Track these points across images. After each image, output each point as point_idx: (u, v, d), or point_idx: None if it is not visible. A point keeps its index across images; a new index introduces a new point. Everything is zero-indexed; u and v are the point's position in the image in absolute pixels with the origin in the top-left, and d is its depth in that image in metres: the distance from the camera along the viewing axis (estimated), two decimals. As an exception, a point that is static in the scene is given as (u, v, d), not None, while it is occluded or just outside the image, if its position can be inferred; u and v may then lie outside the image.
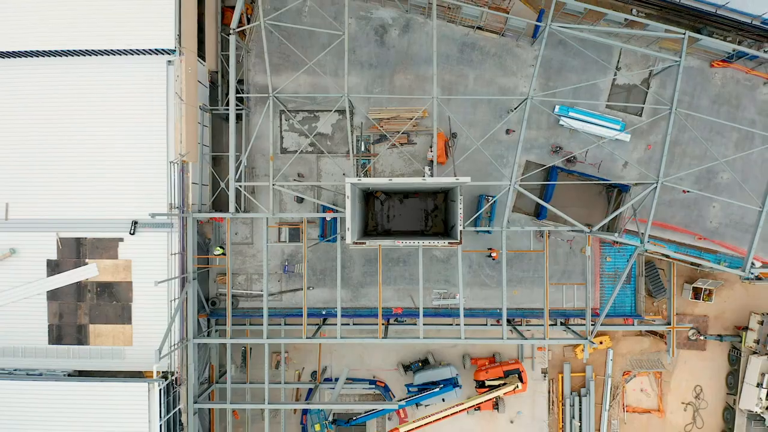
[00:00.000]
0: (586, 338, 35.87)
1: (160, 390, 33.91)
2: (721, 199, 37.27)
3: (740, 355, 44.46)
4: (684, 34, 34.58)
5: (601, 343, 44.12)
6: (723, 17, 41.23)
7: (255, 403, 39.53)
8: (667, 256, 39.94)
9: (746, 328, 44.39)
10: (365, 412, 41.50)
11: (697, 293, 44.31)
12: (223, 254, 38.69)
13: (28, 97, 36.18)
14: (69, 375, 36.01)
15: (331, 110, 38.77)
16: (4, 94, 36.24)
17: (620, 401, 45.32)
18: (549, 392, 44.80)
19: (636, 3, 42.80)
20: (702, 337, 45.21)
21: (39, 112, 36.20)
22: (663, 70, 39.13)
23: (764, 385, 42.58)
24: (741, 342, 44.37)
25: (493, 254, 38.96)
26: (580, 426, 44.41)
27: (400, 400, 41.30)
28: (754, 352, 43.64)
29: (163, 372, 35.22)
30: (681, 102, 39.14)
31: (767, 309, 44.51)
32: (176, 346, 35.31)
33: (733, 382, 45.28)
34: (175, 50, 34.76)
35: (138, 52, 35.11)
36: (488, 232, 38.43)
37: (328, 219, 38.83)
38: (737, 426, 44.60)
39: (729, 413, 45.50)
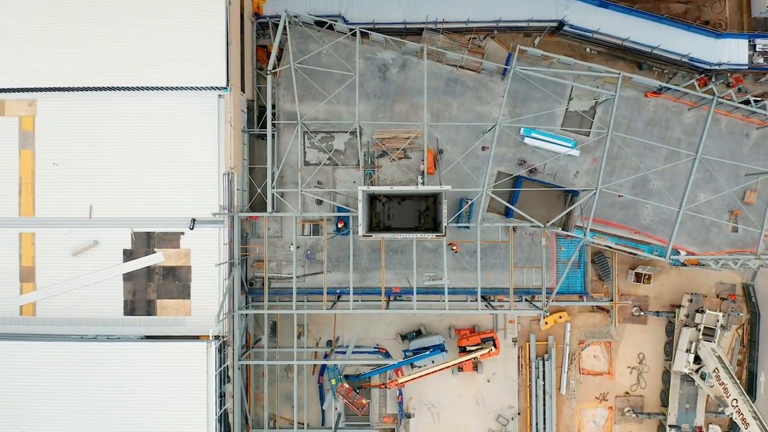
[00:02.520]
0: (542, 309, 46.38)
1: (216, 348, 44.34)
2: (649, 202, 47.90)
3: (674, 327, 54.85)
4: (619, 74, 45.00)
5: (560, 317, 54.45)
6: (659, 55, 51.95)
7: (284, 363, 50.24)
8: (610, 247, 50.47)
9: (679, 306, 54.71)
10: (371, 369, 52.04)
11: (638, 277, 54.65)
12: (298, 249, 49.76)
13: (109, 121, 46.53)
14: (141, 339, 46.38)
15: (344, 132, 49.43)
16: (92, 119, 46.53)
17: (577, 365, 55.68)
18: (518, 357, 55.15)
19: (590, 43, 53.58)
20: (643, 314, 55.49)
21: (117, 132, 46.56)
22: (605, 101, 49.57)
23: (692, 351, 52.80)
24: (675, 317, 54.77)
25: (454, 247, 49.55)
26: (544, 384, 54.81)
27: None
28: (685, 325, 53.85)
29: (215, 335, 45.48)
30: (620, 125, 49.70)
31: (695, 290, 54.89)
32: (226, 315, 45.72)
33: (669, 350, 55.62)
34: (226, 87, 45.13)
35: (196, 88, 45.45)
36: (467, 227, 49.15)
37: (340, 227, 49.44)
38: (672, 386, 54.82)
39: (666, 376, 55.81)
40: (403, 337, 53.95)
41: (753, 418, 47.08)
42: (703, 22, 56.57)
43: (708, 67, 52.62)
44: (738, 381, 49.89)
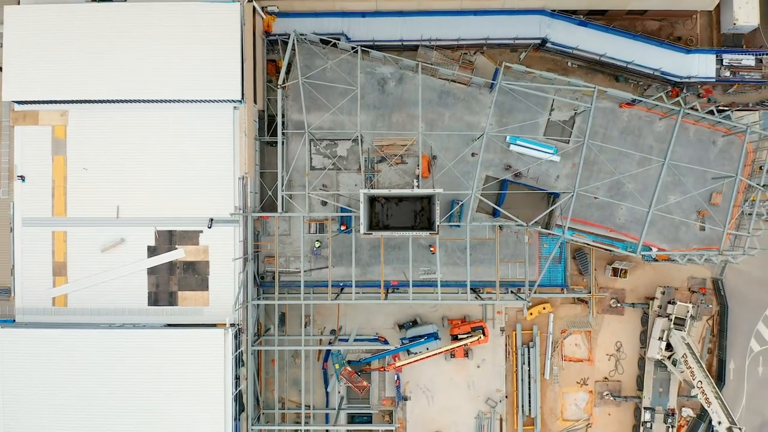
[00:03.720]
0: (525, 300, 51.51)
1: (232, 335, 49.38)
2: (623, 204, 53.01)
3: (649, 317, 59.95)
4: (594, 88, 50.17)
5: (544, 308, 59.53)
6: (634, 69, 57.03)
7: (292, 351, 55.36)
8: (588, 244, 55.57)
9: (653, 298, 59.85)
10: (371, 354, 57.20)
11: (615, 272, 59.80)
12: (320, 246, 55.06)
13: (135, 129, 51.45)
14: (164, 326, 51.33)
15: (347, 139, 54.56)
16: (119, 128, 51.44)
17: (559, 352, 60.78)
18: (506, 345, 60.23)
19: (571, 57, 58.61)
20: (620, 305, 60.62)
21: (142, 140, 51.48)
22: (582, 112, 54.59)
23: (664, 339, 57.88)
24: (649, 308, 59.89)
25: (432, 249, 54.55)
26: (529, 370, 59.88)
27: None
28: (658, 315, 59.02)
29: (231, 323, 50.41)
30: (597, 133, 54.71)
31: (668, 283, 60.05)
32: (241, 305, 50.77)
33: (644, 339, 60.71)
34: (240, 101, 50.16)
35: (214, 101, 50.48)
36: (458, 226, 54.31)
37: (343, 229, 54.54)
38: (647, 371, 59.92)
39: (642, 362, 60.88)
40: (401, 327, 58.99)
41: (715, 398, 52.18)
42: (676, 38, 61.62)
43: (679, 80, 57.74)
44: (703, 365, 54.93)
